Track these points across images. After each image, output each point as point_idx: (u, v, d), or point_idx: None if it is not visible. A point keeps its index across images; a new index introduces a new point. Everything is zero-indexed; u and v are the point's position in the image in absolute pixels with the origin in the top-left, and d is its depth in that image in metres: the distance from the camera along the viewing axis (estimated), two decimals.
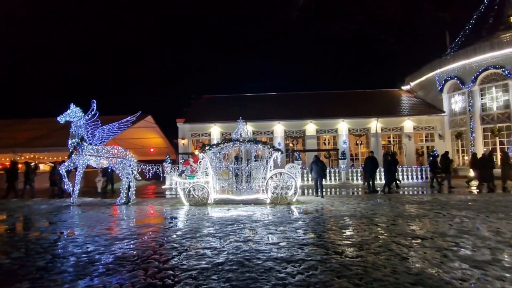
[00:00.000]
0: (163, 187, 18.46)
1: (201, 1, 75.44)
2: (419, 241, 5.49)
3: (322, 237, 5.96)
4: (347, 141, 23.40)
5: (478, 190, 13.31)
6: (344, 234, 6.17)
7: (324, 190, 12.48)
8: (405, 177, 18.02)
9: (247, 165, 11.14)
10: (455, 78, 21.73)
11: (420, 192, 13.82)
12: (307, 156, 22.17)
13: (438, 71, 23.04)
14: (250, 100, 27.75)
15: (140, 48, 75.14)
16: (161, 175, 13.58)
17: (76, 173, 11.85)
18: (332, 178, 18.35)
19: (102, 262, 4.76)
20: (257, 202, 10.73)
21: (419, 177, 18.06)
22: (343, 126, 23.50)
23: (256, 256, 4.81)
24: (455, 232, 6.04)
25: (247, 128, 11.74)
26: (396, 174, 15.19)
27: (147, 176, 13.30)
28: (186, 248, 5.37)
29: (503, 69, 19.26)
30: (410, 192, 13.83)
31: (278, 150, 11.19)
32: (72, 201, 11.49)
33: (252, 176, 11.04)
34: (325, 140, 24.28)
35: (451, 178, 14.74)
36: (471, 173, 15.58)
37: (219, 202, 10.90)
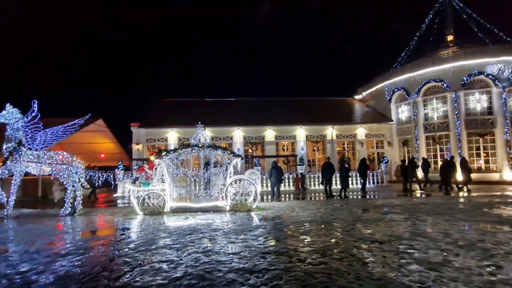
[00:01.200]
0: (114, 195, 17.26)
1: (161, 2, 73.41)
2: (377, 245, 5.62)
3: (284, 244, 5.86)
4: (305, 147, 23.96)
5: (442, 193, 14.43)
6: (306, 240, 6.13)
7: (281, 195, 12.67)
8: (359, 181, 18.84)
9: (206, 172, 10.79)
10: (402, 90, 23.41)
11: (374, 196, 14.48)
12: (266, 162, 22.27)
13: (387, 82, 24.67)
14: (210, 105, 27.34)
15: (93, 48, 70.79)
16: (113, 182, 12.65)
17: (12, 181, 10.55)
18: (291, 184, 18.57)
19: (40, 283, 4.16)
20: (216, 210, 10.41)
21: (372, 181, 19.00)
22: (301, 132, 24.04)
23: (217, 268, 4.54)
24: (410, 234, 6.30)
25: (206, 134, 11.40)
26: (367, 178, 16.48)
27: (96, 184, 12.31)
28: (140, 262, 4.92)
29: (443, 83, 21.17)
30: (365, 196, 14.43)
31: (238, 156, 11.01)
32: (6, 213, 10.19)
33: (212, 182, 10.71)
34: (284, 146, 24.63)
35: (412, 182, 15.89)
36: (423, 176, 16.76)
37: (176, 211, 10.39)
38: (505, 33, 23.65)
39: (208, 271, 4.41)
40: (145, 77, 72.33)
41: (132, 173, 16.62)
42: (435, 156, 21.70)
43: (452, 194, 13.77)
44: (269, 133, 23.87)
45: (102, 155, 25.88)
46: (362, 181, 15.54)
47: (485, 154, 20.29)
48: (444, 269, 4.32)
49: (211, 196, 10.56)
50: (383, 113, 25.48)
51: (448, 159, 15.58)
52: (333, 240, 6.03)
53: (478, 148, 20.36)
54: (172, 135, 23.26)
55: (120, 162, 17.76)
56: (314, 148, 24.86)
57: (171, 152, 10.52)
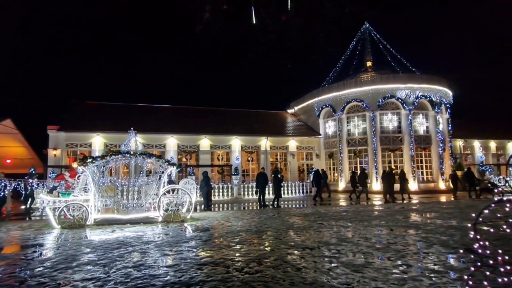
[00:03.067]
0: (22, 207, 15.04)
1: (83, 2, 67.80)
2: (308, 251, 5.97)
3: (221, 254, 5.83)
4: (240, 158, 24.28)
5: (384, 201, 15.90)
6: (242, 249, 6.19)
7: (211, 205, 13.16)
8: (290, 191, 19.76)
9: (137, 181, 10.18)
10: (329, 107, 25.52)
11: (303, 205, 15.32)
12: (201, 171, 21.92)
13: (316, 99, 26.63)
14: (142, 110, 25.97)
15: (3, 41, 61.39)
16: (23, 192, 11.05)
17: None
18: (225, 193, 18.58)
19: None
20: (147, 221, 9.85)
21: (301, 191, 20.12)
22: (236, 142, 24.34)
23: (150, 283, 4.30)
24: (336, 240, 6.84)
25: (138, 140, 10.80)
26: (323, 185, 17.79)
27: (1, 194, 10.63)
28: (59, 282, 4.39)
29: (363, 102, 23.71)
30: (295, 205, 15.19)
31: (173, 164, 10.65)
32: None
33: (143, 192, 10.12)
34: (219, 155, 24.59)
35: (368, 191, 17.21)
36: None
37: (102, 223, 9.53)
38: (411, 64, 27.71)
39: (141, 287, 4.15)
40: (66, 78, 65.46)
41: (46, 182, 14.74)
42: (355, 168, 24.00)
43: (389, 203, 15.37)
44: (204, 142, 23.63)
45: (8, 161, 22.43)
46: (274, 191, 14.88)
47: (394, 167, 23.18)
48: (366, 270, 4.79)
49: (142, 206, 9.96)
50: (312, 127, 27.34)
51: (387, 171, 17.17)
52: (268, 248, 6.21)
53: (389, 162, 23.18)
54: (98, 140, 21.38)
55: (32, 169, 15.61)
56: (249, 159, 25.37)
57: (98, 158, 9.68)
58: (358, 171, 19.37)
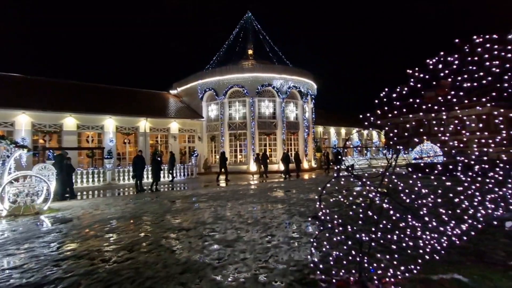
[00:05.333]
0: None
1: None
2: (184, 232, 6.03)
3: (85, 246, 5.26)
4: (114, 140, 22.07)
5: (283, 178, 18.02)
6: (112, 238, 5.75)
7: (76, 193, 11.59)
8: (171, 174, 19.30)
9: None
10: (212, 90, 25.79)
11: (183, 188, 15.24)
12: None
13: (200, 81, 26.46)
14: None
15: None
16: None
17: None
18: (96, 179, 16.71)
19: None
20: None
21: (183, 174, 19.94)
22: (110, 123, 21.95)
23: None
24: (212, 219, 7.13)
25: None
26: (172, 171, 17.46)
27: None
28: None
29: (243, 88, 24.92)
30: (175, 188, 14.97)
31: (23, 147, 8.84)
32: None
33: None
34: (88, 137, 21.70)
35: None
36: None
37: None
38: (286, 57, 30.63)
39: None
40: None
41: None
42: (235, 151, 25.30)
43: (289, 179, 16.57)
44: (69, 121, 20.38)
45: None
46: (153, 175, 14.45)
47: (270, 150, 25.59)
48: (237, 244, 5.20)
49: None
50: (195, 110, 27.14)
51: (285, 152, 20.21)
52: (142, 234, 5.97)
53: (265, 145, 25.40)
54: None
55: None
56: (125, 141, 23.34)
57: None
58: (261, 153, 21.67)
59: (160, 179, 14.81)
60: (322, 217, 3.71)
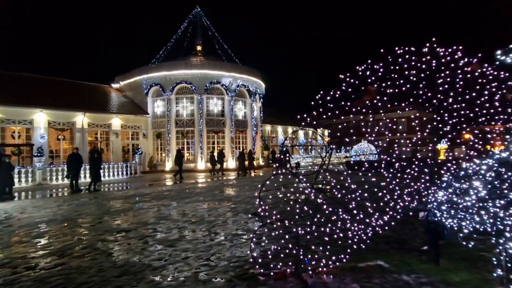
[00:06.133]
0: None
1: None
2: (124, 234, 5.77)
3: (6, 254, 4.76)
4: (46, 136, 20.08)
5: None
6: (40, 244, 5.28)
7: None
8: (112, 173, 18.21)
9: None
10: (158, 86, 24.83)
11: (126, 187, 14.49)
12: None
13: (145, 76, 25.29)
14: None
15: None
16: None
17: None
18: (23, 179, 15.09)
19: None
20: None
21: (126, 173, 18.93)
22: (41, 117, 19.90)
23: None
24: (155, 219, 6.93)
25: None
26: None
27: None
28: None
29: (192, 85, 24.43)
30: (116, 188, 14.17)
31: None
32: None
33: None
34: (14, 132, 19.43)
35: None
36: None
37: None
38: (235, 55, 30.69)
39: None
40: None
41: None
42: (182, 149, 24.70)
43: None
44: None
45: None
46: (91, 174, 13.58)
47: (218, 148, 25.47)
48: (179, 243, 5.14)
49: None
50: (140, 106, 25.87)
51: (241, 151, 20.52)
52: (76, 238, 5.58)
53: (214, 143, 25.23)
54: None
55: None
56: (60, 137, 21.37)
57: None
58: (216, 151, 21.88)
59: (101, 178, 13.89)
60: (262, 214, 3.85)
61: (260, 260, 3.97)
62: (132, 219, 7.10)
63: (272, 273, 3.71)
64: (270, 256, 4.01)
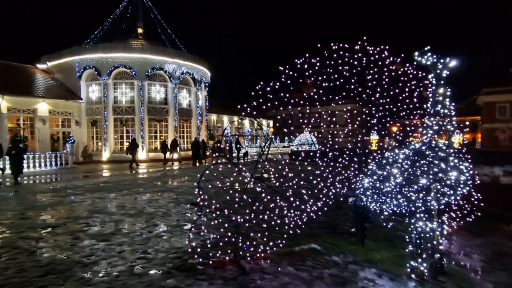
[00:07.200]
0: None
1: None
2: (50, 230, 5.29)
3: None
4: None
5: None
6: None
7: None
8: (38, 164, 16.44)
9: None
10: (93, 69, 22.83)
11: (55, 179, 13.21)
12: None
13: (77, 57, 23.02)
14: None
15: None
16: None
17: None
18: None
19: None
20: None
21: (55, 163, 17.24)
22: None
23: None
24: (88, 213, 6.46)
25: None
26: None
27: None
28: None
29: (131, 70, 22.93)
30: (44, 180, 12.85)
31: None
32: None
33: None
34: None
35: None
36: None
37: None
38: (180, 41, 29.49)
39: None
40: None
41: None
42: (121, 137, 23.24)
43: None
44: None
45: None
46: (13, 166, 11.87)
47: (161, 137, 24.48)
48: (115, 237, 4.88)
49: None
50: (72, 90, 23.54)
51: (195, 139, 20.74)
52: None
53: (155, 132, 24.16)
54: None
55: None
56: None
57: None
58: (169, 140, 21.80)
59: (23, 170, 12.42)
60: (201, 203, 3.84)
61: (199, 250, 3.97)
62: (61, 214, 6.53)
63: (211, 262, 3.74)
64: (209, 246, 4.03)
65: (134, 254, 4.14)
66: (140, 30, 28.01)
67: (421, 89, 4.37)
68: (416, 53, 3.83)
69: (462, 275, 3.52)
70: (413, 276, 3.36)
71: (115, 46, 23.35)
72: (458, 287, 3.23)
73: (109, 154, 22.69)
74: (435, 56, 3.77)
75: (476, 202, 4.76)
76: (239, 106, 4.01)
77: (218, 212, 3.91)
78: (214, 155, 21.23)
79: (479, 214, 4.96)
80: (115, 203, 7.55)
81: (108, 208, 6.94)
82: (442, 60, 3.75)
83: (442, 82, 3.78)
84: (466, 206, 4.82)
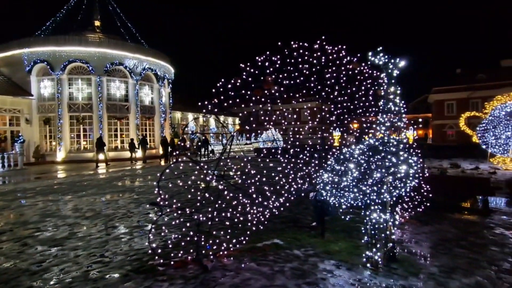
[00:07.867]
0: None
1: None
2: None
3: None
4: None
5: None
6: None
7: None
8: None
9: None
10: (45, 63, 21.30)
11: (2, 182, 12.15)
12: None
13: (26, 50, 21.34)
14: None
15: None
16: None
17: None
18: None
19: None
20: None
21: (1, 165, 15.86)
22: None
23: None
24: (38, 217, 6.03)
25: None
26: None
27: None
28: None
29: (88, 65, 21.70)
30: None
31: None
32: None
33: None
34: None
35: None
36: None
37: None
38: (140, 36, 28.36)
39: None
40: None
41: None
42: (78, 136, 21.94)
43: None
44: None
45: None
46: None
47: (122, 135, 23.45)
48: (68, 242, 4.60)
49: None
50: (20, 85, 21.78)
51: (164, 137, 20.86)
52: None
53: (116, 130, 23.10)
54: None
55: None
56: None
57: None
58: (136, 138, 21.43)
59: None
60: (161, 203, 3.74)
61: (160, 251, 3.86)
62: (7, 219, 6.03)
63: (172, 262, 3.66)
64: (170, 246, 3.94)
65: (90, 258, 3.94)
66: (97, 23, 26.59)
67: (376, 87, 4.60)
68: (370, 53, 4.01)
69: (412, 261, 3.77)
70: (368, 265, 3.54)
71: (70, 39, 21.95)
72: (407, 272, 3.45)
73: (64, 154, 21.35)
74: (386, 57, 3.98)
75: (425, 193, 5.11)
76: (199, 103, 3.95)
77: (179, 211, 3.83)
78: (174, 154, 20.79)
79: (428, 204, 5.33)
80: (70, 205, 7.12)
81: (61, 211, 6.53)
82: (392, 60, 3.97)
83: (393, 81, 4.01)
84: (417, 197, 5.16)
